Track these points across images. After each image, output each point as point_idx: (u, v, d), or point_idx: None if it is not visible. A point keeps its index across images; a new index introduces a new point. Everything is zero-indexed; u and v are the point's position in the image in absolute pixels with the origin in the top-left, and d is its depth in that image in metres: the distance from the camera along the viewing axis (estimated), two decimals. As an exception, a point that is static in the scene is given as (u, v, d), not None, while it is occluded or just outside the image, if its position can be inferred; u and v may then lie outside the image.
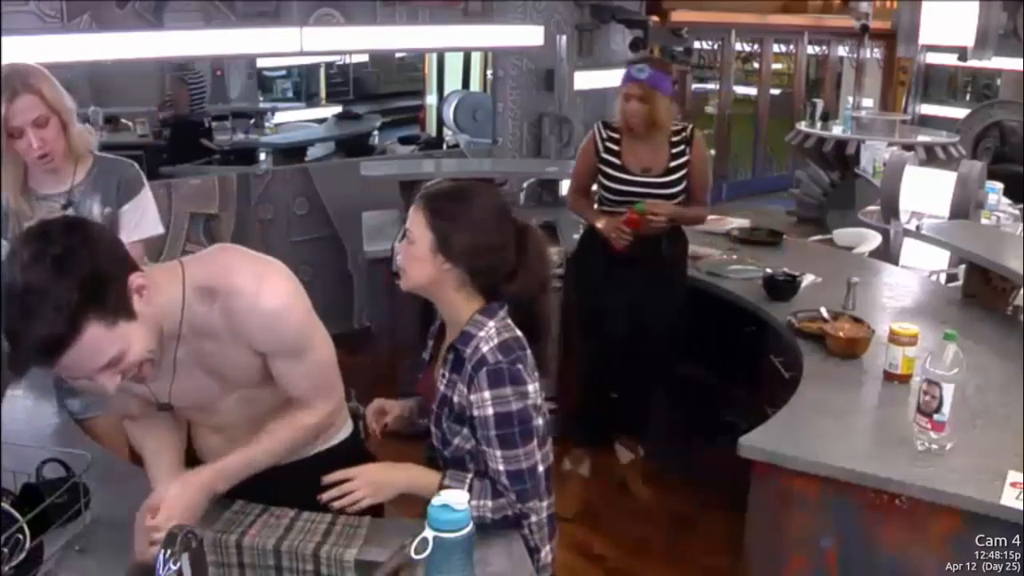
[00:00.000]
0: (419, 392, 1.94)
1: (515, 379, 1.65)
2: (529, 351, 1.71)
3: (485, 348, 1.66)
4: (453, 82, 7.09)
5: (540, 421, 1.73)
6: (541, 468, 1.73)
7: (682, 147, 3.37)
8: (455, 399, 1.70)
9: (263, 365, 1.58)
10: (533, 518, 1.74)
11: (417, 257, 1.69)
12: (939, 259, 4.44)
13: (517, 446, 1.66)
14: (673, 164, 3.36)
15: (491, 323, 1.69)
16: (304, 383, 1.62)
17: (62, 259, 1.29)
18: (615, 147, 3.42)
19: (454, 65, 7.12)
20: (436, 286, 1.71)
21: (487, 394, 1.64)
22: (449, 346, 1.73)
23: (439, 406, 1.75)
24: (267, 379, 1.60)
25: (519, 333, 1.71)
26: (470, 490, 1.66)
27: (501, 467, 1.66)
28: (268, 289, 1.50)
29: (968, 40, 6.28)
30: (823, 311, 2.89)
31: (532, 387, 1.68)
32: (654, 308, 3.45)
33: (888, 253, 4.97)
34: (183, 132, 5.80)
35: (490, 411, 1.64)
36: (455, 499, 1.40)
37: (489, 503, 1.66)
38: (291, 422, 1.64)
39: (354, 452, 1.83)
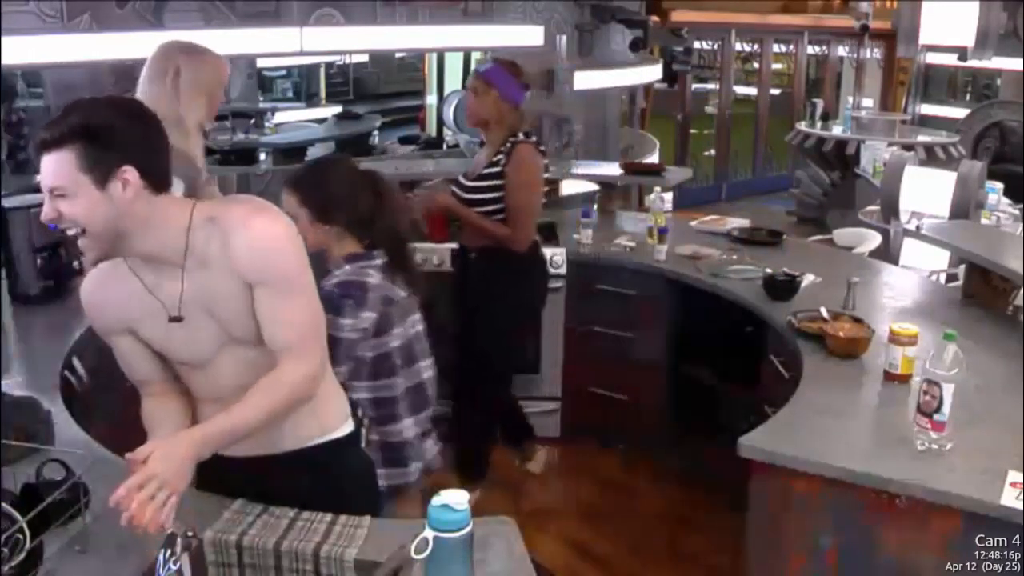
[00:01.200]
0: None
1: (336, 310, 1.99)
2: (374, 295, 2.07)
3: (331, 281, 2.02)
4: (453, 82, 7.09)
5: (368, 353, 2.11)
6: (355, 391, 2.08)
7: (500, 157, 3.20)
8: None
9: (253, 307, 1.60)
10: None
11: (302, 231, 1.91)
12: (939, 259, 4.45)
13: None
14: (485, 171, 3.24)
15: (348, 267, 2.06)
16: (287, 328, 1.61)
17: (116, 105, 1.53)
18: (478, 148, 3.47)
19: (454, 65, 7.12)
20: (325, 246, 2.10)
21: None
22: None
23: None
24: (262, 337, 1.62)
25: (373, 282, 2.07)
26: None
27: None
28: (263, 218, 1.59)
29: (968, 40, 6.29)
30: (823, 311, 2.89)
31: (348, 322, 2.02)
32: (463, 322, 3.37)
33: (888, 253, 4.97)
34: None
35: None
36: (455, 499, 1.40)
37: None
38: (272, 379, 1.61)
39: (353, 452, 1.87)
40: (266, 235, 1.57)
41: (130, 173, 1.49)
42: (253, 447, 1.68)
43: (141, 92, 2.58)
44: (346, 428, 1.84)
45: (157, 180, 1.54)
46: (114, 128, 1.48)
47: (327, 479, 1.74)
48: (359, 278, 2.05)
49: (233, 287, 1.58)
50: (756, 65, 10.70)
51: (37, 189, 1.54)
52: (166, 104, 2.43)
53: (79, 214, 1.49)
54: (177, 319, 1.61)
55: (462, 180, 3.34)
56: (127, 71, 4.62)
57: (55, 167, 1.47)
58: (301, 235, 1.91)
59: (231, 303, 1.59)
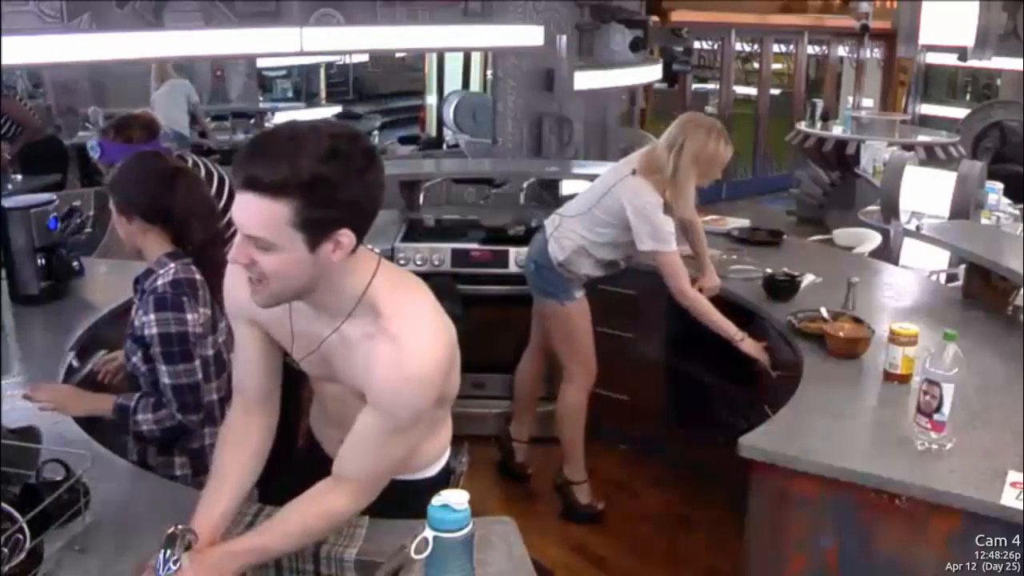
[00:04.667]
0: None
1: (176, 307, 1.99)
2: (203, 292, 2.06)
3: (160, 281, 2.02)
4: (453, 82, 7.09)
5: (210, 351, 2.07)
6: (209, 394, 2.07)
7: None
8: (136, 322, 2.06)
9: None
10: (196, 444, 2.07)
11: (117, 226, 2.11)
12: (939, 259, 4.44)
13: (177, 362, 1.99)
14: None
15: (173, 264, 2.05)
16: (369, 463, 1.50)
17: (338, 154, 1.30)
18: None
19: (454, 65, 7.12)
20: (134, 240, 2.10)
21: (152, 316, 1.99)
22: (135, 279, 2.15)
23: (128, 327, 2.12)
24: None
25: (199, 277, 2.07)
26: (136, 406, 2.01)
27: (167, 380, 1.99)
28: (420, 344, 1.42)
29: (968, 40, 6.28)
30: (823, 311, 2.89)
31: (192, 316, 2.00)
32: None
33: (888, 253, 4.97)
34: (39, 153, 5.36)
35: (154, 330, 1.98)
36: (455, 499, 1.40)
37: (151, 415, 2.00)
38: (320, 507, 1.51)
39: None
40: (416, 377, 1.41)
41: (346, 236, 1.34)
42: None
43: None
44: (429, 472, 1.74)
45: (362, 238, 1.39)
46: (340, 186, 1.30)
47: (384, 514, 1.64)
48: (188, 275, 2.04)
49: (357, 378, 1.49)
50: (756, 65, 10.70)
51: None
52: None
53: (277, 269, 1.35)
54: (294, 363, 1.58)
55: None
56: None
57: (264, 217, 1.30)
58: (119, 233, 2.10)
59: (351, 379, 1.51)
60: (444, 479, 1.77)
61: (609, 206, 3.23)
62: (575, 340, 3.44)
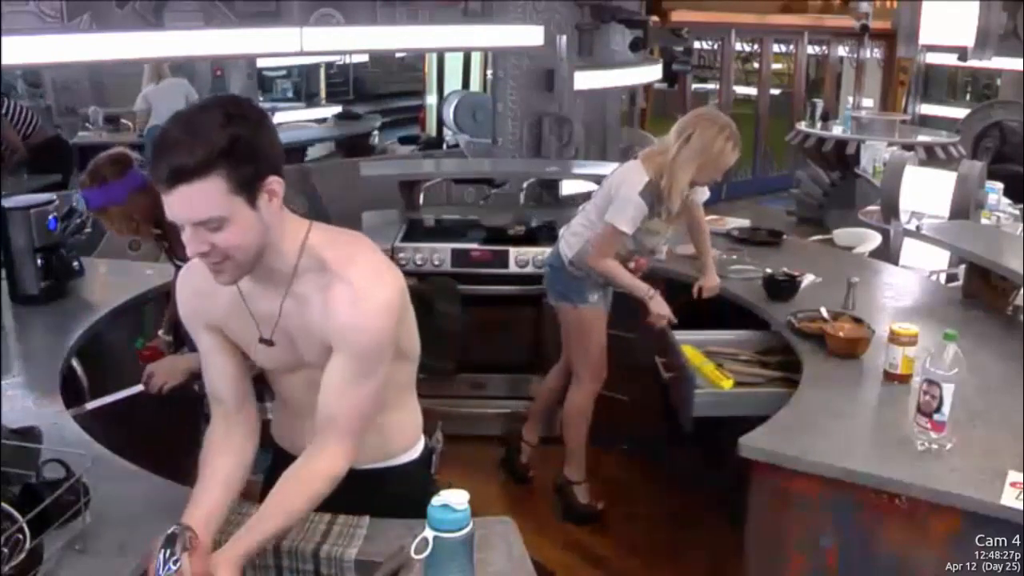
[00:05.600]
0: None
1: None
2: None
3: None
4: (453, 82, 7.10)
5: None
6: None
7: None
8: None
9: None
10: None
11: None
12: (939, 259, 4.45)
13: None
14: None
15: None
16: (348, 410, 1.53)
17: (233, 116, 1.37)
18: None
19: (454, 65, 7.13)
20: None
21: None
22: None
23: None
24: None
25: None
26: None
27: None
28: (380, 288, 1.51)
29: (968, 40, 6.28)
30: (823, 311, 2.89)
31: None
32: None
33: (888, 253, 4.97)
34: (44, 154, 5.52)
35: None
36: (455, 499, 1.40)
37: None
38: (309, 474, 1.53)
39: (410, 478, 1.81)
40: (375, 309, 1.49)
41: (275, 183, 1.42)
42: None
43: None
44: (407, 456, 1.78)
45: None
46: (251, 138, 1.38)
47: (380, 501, 1.68)
48: None
49: (320, 332, 1.52)
50: (756, 65, 10.70)
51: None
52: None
53: (235, 241, 1.40)
54: (267, 342, 1.58)
55: None
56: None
57: (205, 198, 1.35)
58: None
59: (315, 342, 1.54)
60: (426, 459, 1.82)
61: (607, 187, 3.28)
62: (586, 344, 3.44)
